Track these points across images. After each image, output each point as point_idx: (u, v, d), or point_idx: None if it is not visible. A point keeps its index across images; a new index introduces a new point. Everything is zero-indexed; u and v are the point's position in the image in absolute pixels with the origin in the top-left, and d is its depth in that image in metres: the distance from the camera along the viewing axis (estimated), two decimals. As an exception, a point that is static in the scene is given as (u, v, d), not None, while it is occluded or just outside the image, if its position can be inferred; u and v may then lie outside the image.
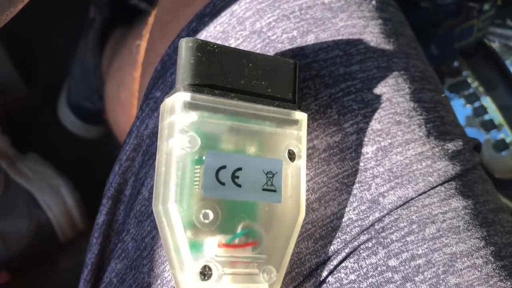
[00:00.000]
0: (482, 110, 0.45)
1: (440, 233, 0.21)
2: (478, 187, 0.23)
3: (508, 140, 0.44)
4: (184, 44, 0.19)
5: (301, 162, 0.20)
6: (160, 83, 0.27)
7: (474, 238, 0.21)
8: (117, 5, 0.65)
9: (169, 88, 0.26)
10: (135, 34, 0.39)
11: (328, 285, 0.21)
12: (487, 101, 0.45)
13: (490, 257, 0.21)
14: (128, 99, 0.38)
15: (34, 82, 0.68)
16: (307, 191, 0.22)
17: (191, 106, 0.18)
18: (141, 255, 0.24)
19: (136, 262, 0.24)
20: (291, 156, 0.20)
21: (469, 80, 0.46)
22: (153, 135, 0.26)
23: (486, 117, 0.45)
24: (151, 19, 0.35)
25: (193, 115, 0.18)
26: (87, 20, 0.67)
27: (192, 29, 0.27)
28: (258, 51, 0.25)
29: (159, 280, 0.23)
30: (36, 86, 0.68)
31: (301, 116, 0.21)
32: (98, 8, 0.65)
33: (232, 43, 0.25)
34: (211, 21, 0.26)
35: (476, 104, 0.45)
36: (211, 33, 0.26)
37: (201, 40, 0.19)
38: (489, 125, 0.44)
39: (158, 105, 0.26)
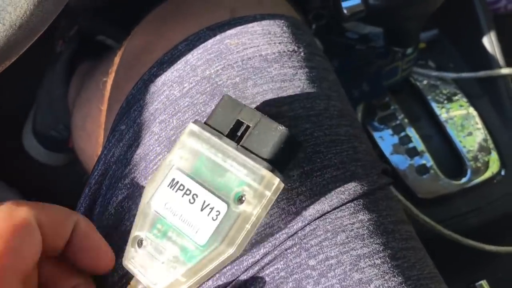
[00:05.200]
0: (407, 139, 0.51)
1: (349, 239, 0.26)
2: (383, 203, 0.29)
3: (428, 165, 0.50)
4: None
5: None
6: (125, 118, 0.32)
7: (375, 244, 0.27)
8: (84, 40, 0.67)
9: (133, 122, 0.31)
10: (102, 70, 0.43)
11: (262, 280, 0.26)
12: (411, 131, 0.52)
13: (387, 259, 0.27)
14: (95, 129, 0.42)
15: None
16: None
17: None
18: None
19: None
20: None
21: (397, 113, 0.53)
22: (119, 162, 0.31)
23: (410, 145, 0.51)
24: (117, 59, 0.40)
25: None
26: (52, 53, 0.69)
27: (153, 73, 0.32)
28: (207, 94, 0.30)
29: None
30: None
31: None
32: (65, 43, 0.67)
33: (186, 87, 0.31)
34: (169, 67, 0.31)
35: (402, 134, 0.51)
36: (169, 77, 0.31)
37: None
38: (412, 152, 0.50)
39: (123, 137, 0.31)
